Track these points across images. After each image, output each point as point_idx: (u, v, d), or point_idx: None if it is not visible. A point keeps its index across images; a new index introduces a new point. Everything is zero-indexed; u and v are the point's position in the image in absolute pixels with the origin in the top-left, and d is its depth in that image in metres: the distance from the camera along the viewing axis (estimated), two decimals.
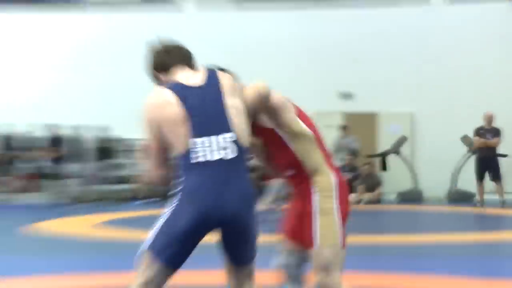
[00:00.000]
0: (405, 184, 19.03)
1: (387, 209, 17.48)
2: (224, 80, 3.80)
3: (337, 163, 16.74)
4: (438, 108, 19.40)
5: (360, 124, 19.65)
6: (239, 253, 3.78)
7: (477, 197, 16.46)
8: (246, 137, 3.76)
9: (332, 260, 4.03)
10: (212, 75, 3.80)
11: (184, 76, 3.79)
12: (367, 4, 21.43)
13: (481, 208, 15.91)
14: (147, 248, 3.53)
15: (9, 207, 18.52)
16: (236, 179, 3.66)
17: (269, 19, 20.99)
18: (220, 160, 3.60)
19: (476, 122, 16.42)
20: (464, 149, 17.42)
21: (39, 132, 19.61)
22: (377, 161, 19.02)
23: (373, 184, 18.16)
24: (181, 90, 3.67)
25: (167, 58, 3.95)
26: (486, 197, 16.23)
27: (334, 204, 4.03)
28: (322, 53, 20.28)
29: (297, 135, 4.09)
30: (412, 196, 18.74)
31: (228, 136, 3.62)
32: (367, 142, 19.21)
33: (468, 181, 17.34)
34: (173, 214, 3.54)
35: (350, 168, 17.70)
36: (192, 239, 3.64)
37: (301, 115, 4.18)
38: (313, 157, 4.12)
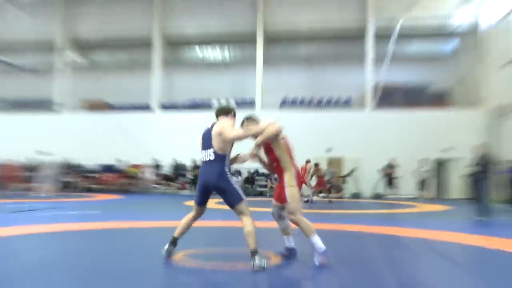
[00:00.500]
0: (353, 189, 21.81)
1: (346, 200, 18.93)
2: (216, 126, 4.94)
3: (326, 179, 18.07)
4: (369, 156, 21.56)
5: (335, 162, 21.50)
6: (226, 201, 4.90)
7: (384, 195, 19.07)
8: (220, 149, 4.85)
9: (296, 208, 5.06)
10: (214, 124, 5.00)
11: (210, 124, 5.03)
12: (337, 109, 23.70)
13: (385, 200, 18.28)
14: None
15: (176, 196, 20.19)
16: (212, 168, 4.85)
17: (295, 116, 22.82)
18: (206, 160, 4.92)
19: (384, 162, 19.11)
20: (379, 174, 19.42)
21: (188, 162, 22.39)
22: (342, 179, 21.57)
23: (339, 189, 20.75)
24: (205, 130, 5.07)
25: (216, 112, 5.17)
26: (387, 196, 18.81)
27: (294, 183, 5.11)
28: (320, 132, 22.44)
29: (279, 147, 5.17)
30: (357, 195, 21.43)
31: (210, 150, 4.88)
32: (337, 170, 21.05)
33: (380, 189, 19.77)
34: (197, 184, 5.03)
35: (330, 182, 18.76)
36: (202, 194, 5.03)
37: (285, 139, 5.25)
38: (285, 160, 5.17)
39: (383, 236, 7.74)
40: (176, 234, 5.15)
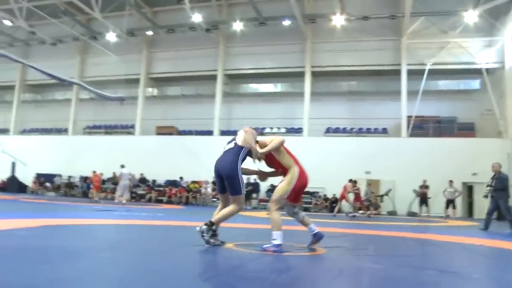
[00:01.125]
0: (390, 208, 21.38)
1: (383, 217, 18.59)
2: (240, 133, 5.15)
3: (365, 198, 18.45)
4: (404, 178, 20.97)
5: (373, 183, 20.96)
6: (228, 189, 4.89)
7: (418, 213, 19.08)
8: (241, 142, 4.97)
9: (278, 200, 4.95)
10: (238, 133, 5.19)
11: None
12: (375, 137, 23.82)
13: (419, 217, 18.44)
14: None
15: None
16: (227, 156, 4.92)
17: (338, 142, 23.35)
18: (225, 150, 5.04)
19: (417, 184, 19.10)
20: (414, 194, 19.45)
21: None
22: (379, 198, 21.06)
23: (376, 206, 19.99)
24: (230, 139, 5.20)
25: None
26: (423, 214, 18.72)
27: (292, 183, 4.96)
28: (360, 157, 22.25)
29: (279, 153, 5.08)
30: (392, 213, 21.00)
31: (232, 142, 5.02)
32: (375, 191, 20.79)
33: (414, 208, 19.89)
34: None
35: (368, 199, 18.67)
36: (218, 182, 5.00)
37: (284, 147, 5.15)
38: (288, 162, 5.07)
39: (418, 239, 7.75)
40: (213, 220, 4.98)
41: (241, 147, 4.87)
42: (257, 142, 5.12)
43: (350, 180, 17.35)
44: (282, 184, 4.98)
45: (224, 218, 4.88)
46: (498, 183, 10.63)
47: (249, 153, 4.96)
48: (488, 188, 10.91)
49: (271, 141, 5.04)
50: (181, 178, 24.58)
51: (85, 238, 5.87)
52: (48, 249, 4.43)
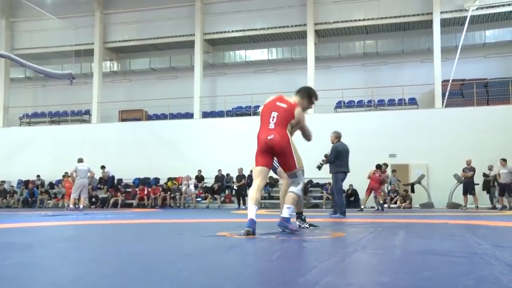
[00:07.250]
0: (423, 199, 20.23)
1: (415, 211, 16.80)
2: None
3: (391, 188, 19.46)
4: (440, 159, 20.69)
5: (400, 169, 20.84)
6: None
7: (463, 205, 18.54)
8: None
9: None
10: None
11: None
12: (399, 108, 23.41)
13: (465, 209, 17.79)
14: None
15: (220, 210, 18.41)
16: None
17: (352, 119, 22.60)
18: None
19: (457, 167, 18.82)
20: (454, 180, 19.21)
21: (234, 172, 21.76)
22: (409, 187, 20.46)
23: (406, 199, 19.68)
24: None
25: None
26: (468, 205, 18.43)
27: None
28: (382, 135, 21.54)
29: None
30: (427, 206, 19.85)
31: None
32: (404, 178, 20.67)
33: (457, 198, 19.14)
34: None
35: (394, 190, 19.51)
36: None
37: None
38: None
39: (469, 225, 7.72)
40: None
41: None
42: None
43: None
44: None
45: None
46: (329, 156, 11.34)
47: None
48: (322, 160, 11.63)
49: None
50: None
51: (34, 235, 6.12)
52: None
